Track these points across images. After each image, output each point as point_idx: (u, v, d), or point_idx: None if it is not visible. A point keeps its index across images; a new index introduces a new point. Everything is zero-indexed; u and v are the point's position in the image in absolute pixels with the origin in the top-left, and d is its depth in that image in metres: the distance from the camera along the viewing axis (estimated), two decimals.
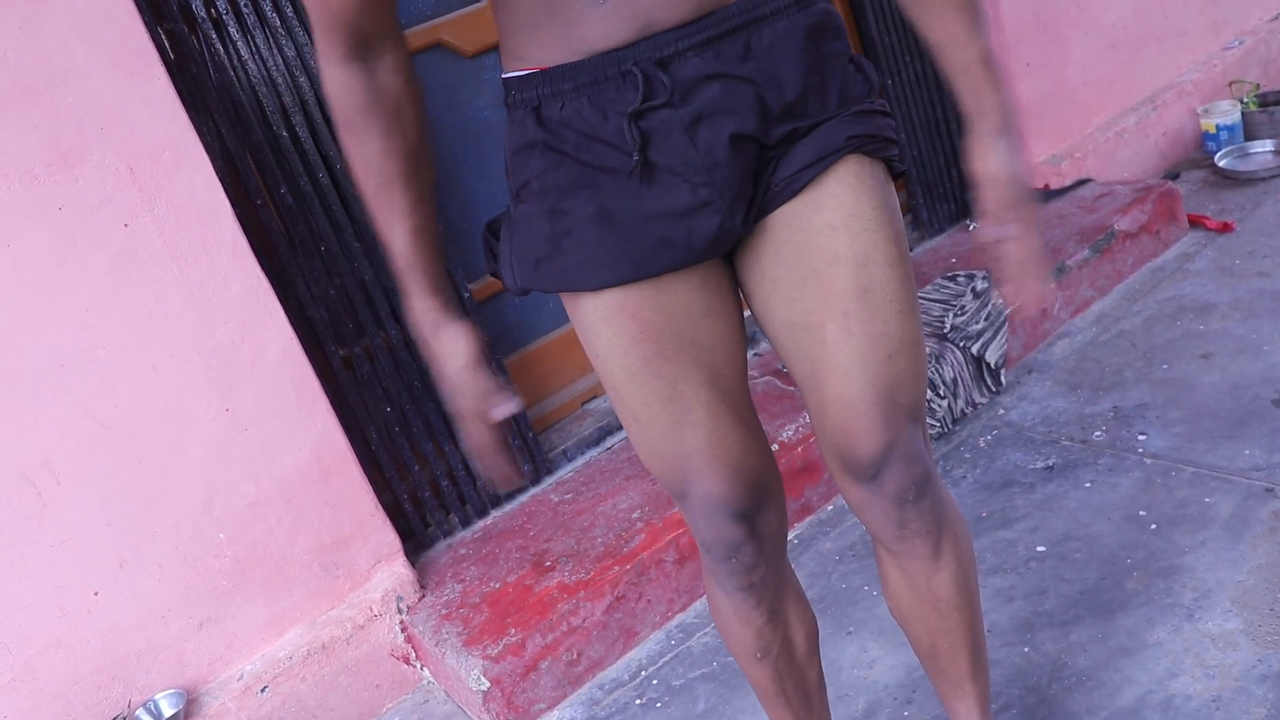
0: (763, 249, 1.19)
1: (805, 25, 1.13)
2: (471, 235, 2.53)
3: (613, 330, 1.20)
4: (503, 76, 1.20)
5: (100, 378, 1.97)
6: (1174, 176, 3.60)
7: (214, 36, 2.13)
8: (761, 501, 1.28)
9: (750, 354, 2.91)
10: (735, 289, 1.27)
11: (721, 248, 1.19)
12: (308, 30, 2.21)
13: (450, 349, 1.23)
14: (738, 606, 1.36)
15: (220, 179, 2.06)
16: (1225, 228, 3.11)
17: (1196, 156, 3.69)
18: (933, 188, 3.23)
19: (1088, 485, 2.22)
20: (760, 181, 1.16)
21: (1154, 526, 2.04)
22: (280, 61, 2.20)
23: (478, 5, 2.57)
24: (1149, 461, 2.23)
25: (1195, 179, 3.55)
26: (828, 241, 1.15)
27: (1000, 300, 2.66)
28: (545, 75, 1.12)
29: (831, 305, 1.16)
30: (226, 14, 2.14)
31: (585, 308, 1.19)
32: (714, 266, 1.22)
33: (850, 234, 1.15)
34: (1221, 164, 3.47)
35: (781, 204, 1.16)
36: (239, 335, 2.08)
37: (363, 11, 1.08)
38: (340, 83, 1.12)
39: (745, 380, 1.28)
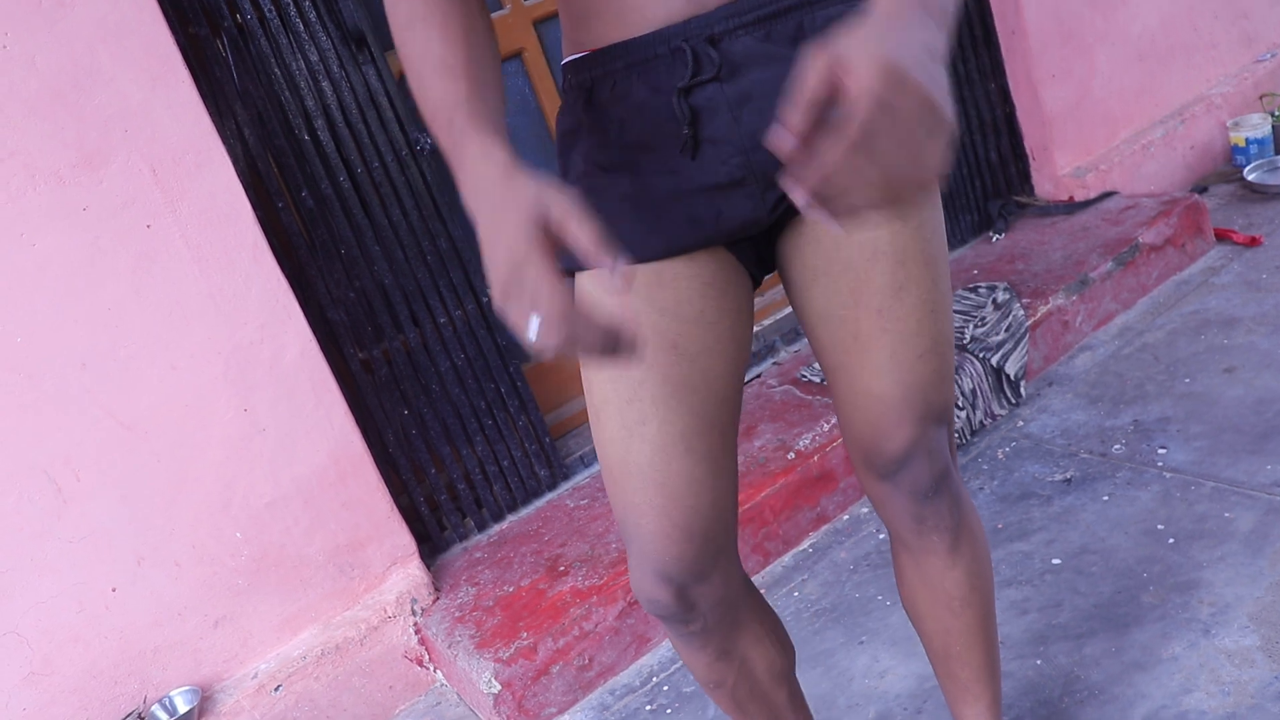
0: (804, 238, 1.17)
1: (862, 8, 1.06)
2: None
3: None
4: (561, 63, 1.20)
5: (121, 377, 1.99)
6: (1202, 190, 3.57)
7: (238, 41, 2.16)
8: (700, 565, 1.15)
9: (769, 363, 2.90)
10: (745, 305, 1.20)
11: (747, 231, 1.15)
12: (330, 35, 2.23)
13: (523, 179, 0.88)
14: (680, 644, 1.26)
15: (242, 181, 2.09)
16: (1253, 242, 3.07)
17: (1225, 170, 3.65)
18: (955, 198, 3.22)
19: (1105, 498, 2.20)
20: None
21: (1172, 541, 2.02)
22: (303, 65, 2.22)
23: (500, 13, 2.58)
24: (1168, 475, 2.21)
25: (1223, 192, 3.52)
26: (868, 236, 1.13)
27: (1021, 312, 2.65)
28: (599, 56, 1.12)
29: (867, 301, 1.14)
30: (250, 18, 2.16)
31: (581, 285, 1.15)
32: (725, 273, 1.17)
33: (891, 230, 1.13)
34: (1251, 178, 3.44)
35: None
36: (258, 336, 2.10)
37: None
38: None
39: (724, 406, 1.16)
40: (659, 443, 1.12)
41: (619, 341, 0.85)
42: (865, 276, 1.14)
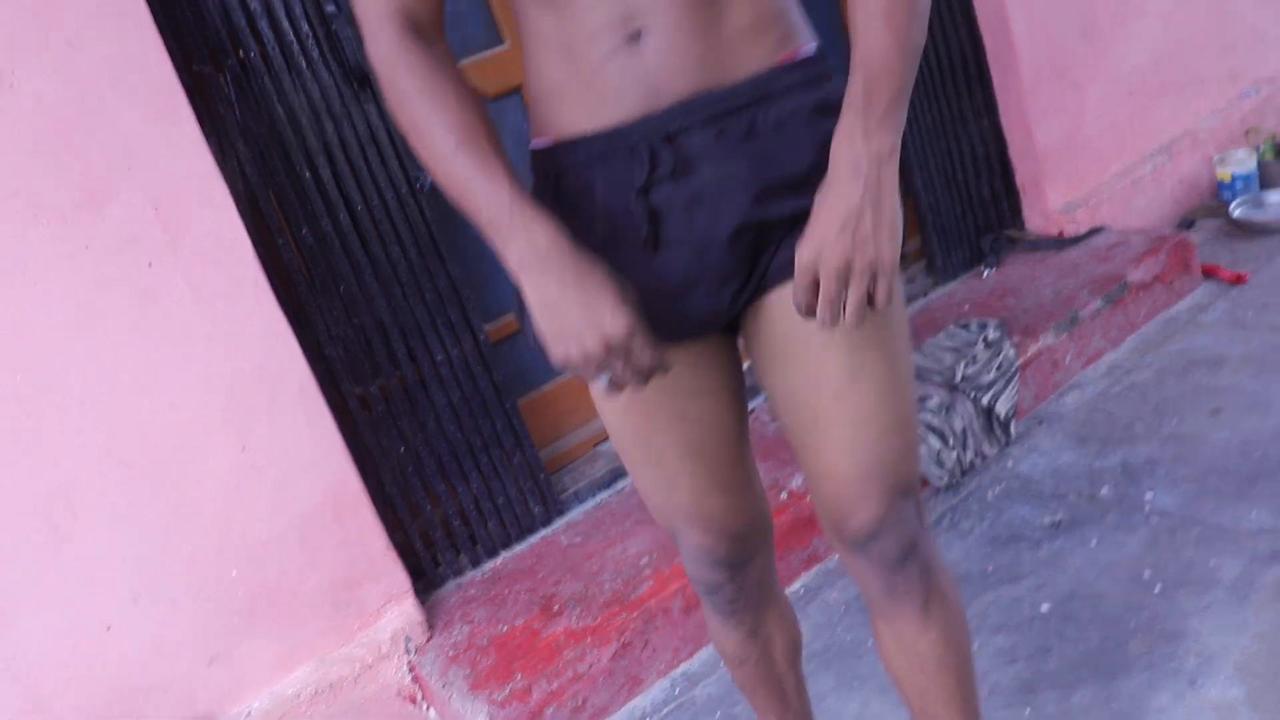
0: (762, 323, 1.23)
1: (812, 102, 1.16)
2: (488, 278, 2.56)
3: (610, 399, 1.27)
4: (530, 148, 1.25)
5: (120, 414, 2.00)
6: (1189, 224, 3.61)
7: (241, 78, 2.17)
8: (747, 553, 1.40)
9: (762, 398, 2.92)
10: (733, 366, 1.33)
11: (714, 325, 1.24)
12: (332, 73, 2.25)
13: (598, 272, 1.08)
14: (720, 622, 1.51)
15: (243, 219, 2.09)
16: (1239, 279, 3.11)
17: (1212, 204, 3.69)
18: (947, 233, 3.25)
19: (1094, 543, 2.23)
20: (760, 260, 1.19)
21: (1159, 588, 2.05)
22: (305, 103, 2.23)
23: (500, 49, 2.60)
24: (1155, 520, 2.24)
25: (1210, 227, 3.56)
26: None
27: (1012, 351, 2.68)
28: (564, 148, 1.17)
29: (824, 385, 1.20)
30: (254, 55, 2.17)
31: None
32: (710, 345, 1.28)
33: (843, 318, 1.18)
34: (1236, 214, 3.48)
35: (779, 284, 1.20)
36: (257, 374, 2.11)
37: None
38: (405, 54, 1.11)
39: (737, 446, 1.35)
40: (693, 490, 1.32)
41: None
42: (820, 362, 1.20)
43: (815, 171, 1.13)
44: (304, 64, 2.22)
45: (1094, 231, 3.28)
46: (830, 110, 1.15)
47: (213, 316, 2.06)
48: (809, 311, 1.11)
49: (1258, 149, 3.79)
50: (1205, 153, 3.73)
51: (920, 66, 3.14)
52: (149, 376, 2.02)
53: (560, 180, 1.20)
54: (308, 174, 2.24)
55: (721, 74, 1.13)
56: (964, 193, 3.27)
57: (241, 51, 2.18)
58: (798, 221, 1.14)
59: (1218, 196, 3.70)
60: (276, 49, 2.20)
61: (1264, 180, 3.68)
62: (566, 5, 1.11)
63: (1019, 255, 3.32)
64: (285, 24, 2.20)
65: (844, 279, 1.07)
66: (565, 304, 1.06)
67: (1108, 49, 3.44)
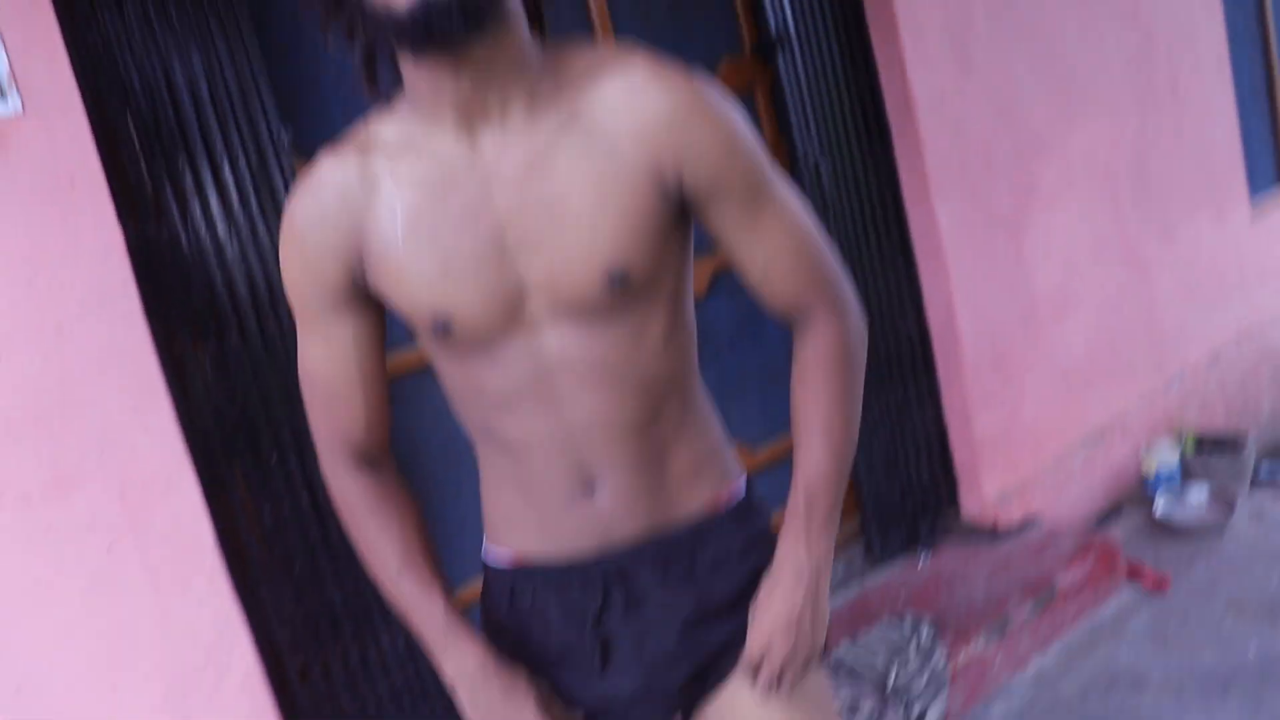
0: (703, 714, 1.34)
1: (742, 541, 1.32)
2: (448, 559, 2.59)
3: None
4: (484, 561, 1.38)
5: (59, 701, 1.98)
6: (1116, 511, 3.77)
7: (220, 359, 2.23)
8: None
9: None
10: None
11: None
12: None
13: (521, 687, 1.28)
14: None
15: (207, 503, 2.13)
16: (1160, 586, 3.24)
17: (1137, 495, 3.86)
18: (886, 517, 3.35)
19: None
20: (699, 677, 1.32)
21: None
22: (279, 385, 2.29)
23: None
24: None
25: (1134, 522, 3.72)
26: (761, 712, 1.29)
27: (943, 659, 2.76)
28: (519, 572, 1.31)
29: None
30: (234, 338, 2.24)
31: None
32: None
33: (780, 704, 1.29)
34: (1159, 512, 3.63)
35: (718, 688, 1.32)
36: (204, 660, 2.11)
37: (369, 431, 1.28)
38: (355, 484, 1.30)
39: None
40: None
41: None
42: None
43: (744, 596, 1.30)
44: (281, 350, 2.30)
45: (1026, 525, 3.41)
46: (757, 543, 1.33)
47: (165, 603, 2.08)
48: (753, 680, 1.28)
49: (1180, 437, 4.00)
50: (1134, 442, 3.92)
51: (872, 358, 3.29)
52: (93, 661, 2.01)
53: (514, 595, 1.33)
54: (274, 457, 2.29)
55: (666, 516, 1.28)
56: (904, 477, 3.39)
57: (223, 334, 2.25)
58: (732, 642, 1.30)
59: (1144, 487, 3.87)
60: (257, 333, 2.28)
61: (1186, 473, 3.87)
62: (523, 454, 1.25)
63: (954, 543, 3.42)
64: (269, 309, 2.29)
65: (785, 666, 1.25)
66: (493, 714, 1.27)
67: (1046, 339, 3.64)
